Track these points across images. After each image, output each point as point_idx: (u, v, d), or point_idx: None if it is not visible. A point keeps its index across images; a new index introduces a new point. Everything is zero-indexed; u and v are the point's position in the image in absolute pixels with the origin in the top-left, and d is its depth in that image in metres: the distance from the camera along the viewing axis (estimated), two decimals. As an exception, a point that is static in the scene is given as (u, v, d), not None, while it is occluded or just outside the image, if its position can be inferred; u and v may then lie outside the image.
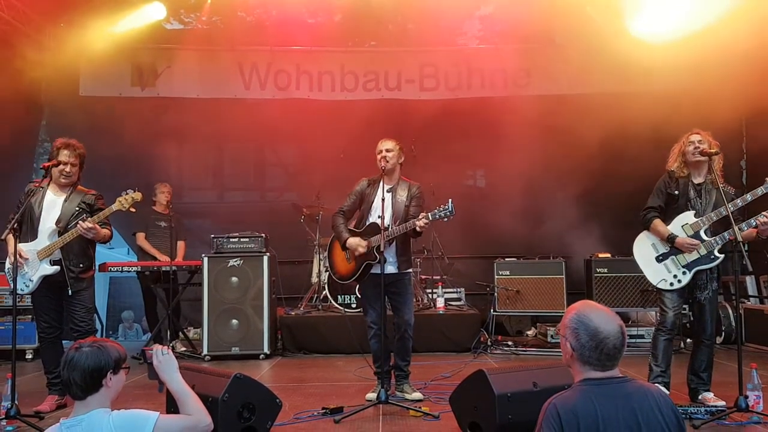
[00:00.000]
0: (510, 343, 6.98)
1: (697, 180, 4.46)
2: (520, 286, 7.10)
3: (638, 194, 4.93)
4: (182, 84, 8.56)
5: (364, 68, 8.71)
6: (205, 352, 6.48)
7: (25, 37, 7.44)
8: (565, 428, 1.95)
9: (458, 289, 7.79)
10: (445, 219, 4.42)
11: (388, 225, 4.60)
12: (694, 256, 4.34)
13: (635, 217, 4.68)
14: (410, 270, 5.00)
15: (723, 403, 4.18)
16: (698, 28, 6.73)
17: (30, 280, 4.53)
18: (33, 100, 8.02)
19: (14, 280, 4.38)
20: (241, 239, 6.70)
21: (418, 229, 4.48)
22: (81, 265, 4.63)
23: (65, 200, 4.63)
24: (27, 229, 4.56)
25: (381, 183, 4.69)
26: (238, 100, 8.58)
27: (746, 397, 3.94)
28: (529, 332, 7.73)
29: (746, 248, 4.07)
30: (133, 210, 4.61)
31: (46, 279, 4.54)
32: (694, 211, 4.39)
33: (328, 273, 6.92)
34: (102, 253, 7.27)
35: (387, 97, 8.65)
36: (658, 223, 4.47)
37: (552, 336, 7.05)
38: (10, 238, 4.42)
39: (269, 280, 6.60)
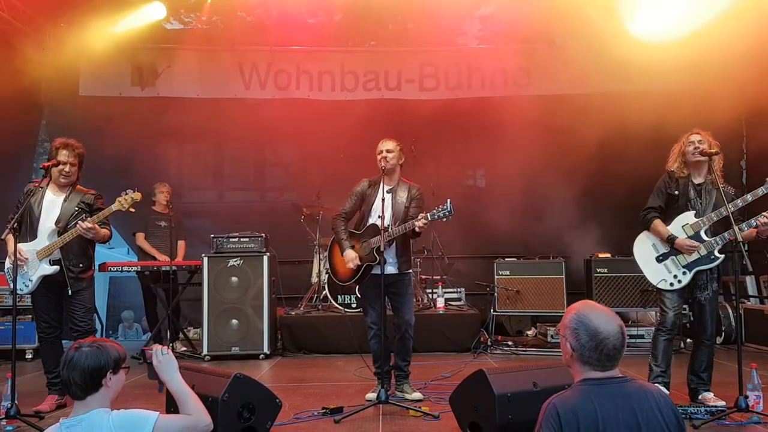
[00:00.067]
0: (510, 343, 6.98)
1: (697, 180, 4.46)
2: (520, 286, 7.10)
3: (638, 194, 4.93)
4: (182, 84, 8.56)
5: (364, 68, 8.71)
6: (205, 352, 6.48)
7: (25, 37, 7.45)
8: (565, 428, 1.95)
9: (458, 289, 7.79)
10: (444, 219, 4.42)
11: (388, 225, 4.60)
12: (695, 256, 4.34)
13: (635, 217, 4.67)
14: (410, 270, 5.00)
15: (723, 403, 4.18)
16: (697, 28, 6.73)
17: (29, 279, 4.53)
18: (33, 100, 8.02)
19: (14, 280, 4.39)
20: (241, 239, 6.70)
21: (417, 229, 4.48)
22: (80, 265, 4.63)
23: (65, 200, 4.63)
24: (26, 229, 4.56)
25: (381, 183, 4.70)
26: (238, 100, 8.58)
27: (746, 397, 3.94)
28: (529, 332, 7.73)
29: (746, 248, 4.07)
30: (132, 210, 4.61)
31: (45, 279, 4.54)
32: (694, 212, 4.39)
33: (328, 273, 6.92)
34: (102, 253, 7.28)
35: (387, 96, 8.65)
36: (658, 223, 4.47)
37: (552, 336, 7.05)
38: (10, 238, 4.42)
39: (269, 280, 6.60)
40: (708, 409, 4.05)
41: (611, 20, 7.24)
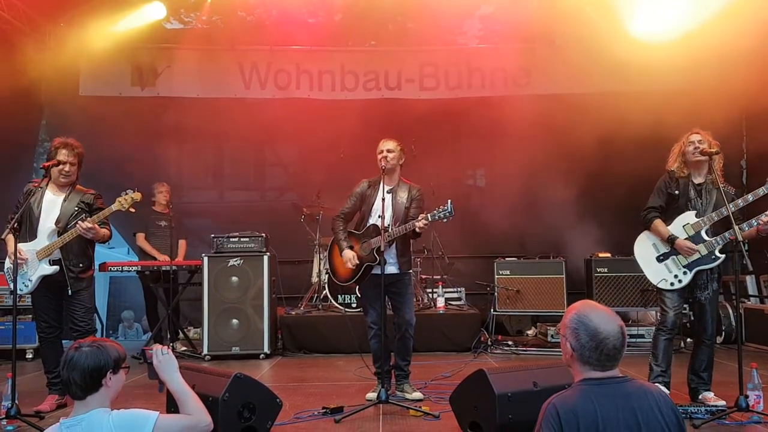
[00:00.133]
0: (510, 342, 6.98)
1: (698, 180, 4.46)
2: (521, 286, 7.10)
3: (638, 194, 4.93)
4: (182, 83, 8.55)
5: (364, 68, 8.71)
6: (205, 351, 6.48)
7: (25, 37, 7.44)
8: (565, 428, 1.95)
9: (458, 289, 7.79)
10: (445, 220, 4.41)
11: (388, 226, 4.60)
12: (695, 256, 4.34)
13: (635, 217, 4.67)
14: (411, 270, 5.00)
15: (723, 402, 4.18)
16: (697, 27, 6.73)
17: (29, 279, 4.53)
18: (33, 99, 8.02)
19: (14, 280, 4.39)
20: (241, 239, 6.70)
21: (417, 230, 4.47)
22: (80, 265, 4.62)
23: (64, 200, 4.63)
24: (26, 229, 4.56)
25: (381, 183, 4.69)
26: (238, 99, 8.57)
27: (746, 396, 3.94)
28: (529, 332, 7.73)
29: (746, 248, 4.07)
30: (132, 210, 4.61)
31: (45, 279, 4.54)
32: (695, 211, 4.39)
33: (328, 273, 6.92)
34: (102, 253, 7.28)
35: (387, 96, 8.64)
36: (658, 223, 4.47)
37: (552, 336, 7.05)
38: (10, 238, 4.42)
39: (269, 280, 6.60)
40: (708, 408, 4.05)
41: (611, 20, 7.24)
